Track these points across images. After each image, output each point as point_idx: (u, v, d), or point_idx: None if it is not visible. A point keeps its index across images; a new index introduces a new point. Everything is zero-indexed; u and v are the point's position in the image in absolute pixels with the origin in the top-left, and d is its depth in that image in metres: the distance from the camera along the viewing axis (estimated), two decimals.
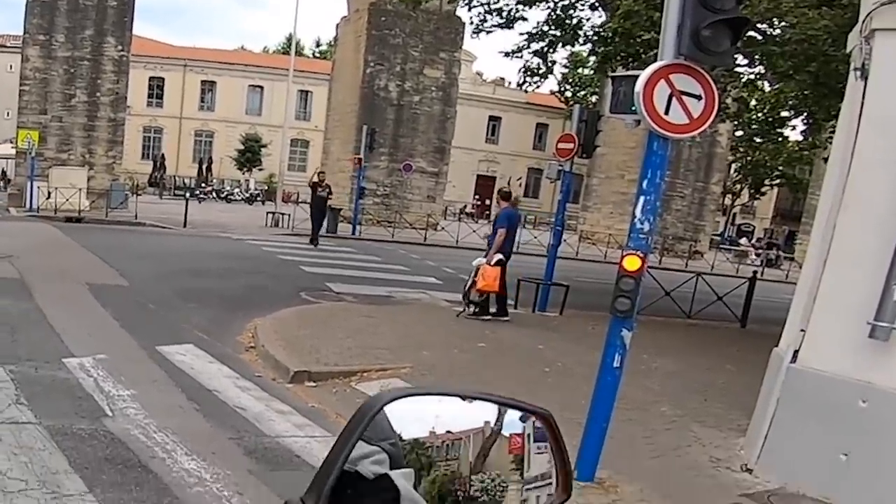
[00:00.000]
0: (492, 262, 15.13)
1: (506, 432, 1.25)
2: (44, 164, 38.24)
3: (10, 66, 66.06)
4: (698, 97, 6.29)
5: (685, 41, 6.08)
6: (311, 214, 31.61)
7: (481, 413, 1.24)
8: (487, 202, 77.71)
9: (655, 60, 6.61)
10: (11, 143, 47.87)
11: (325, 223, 33.01)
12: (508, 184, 78.18)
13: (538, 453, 1.26)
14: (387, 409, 1.14)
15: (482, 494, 1.17)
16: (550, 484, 1.26)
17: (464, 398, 1.26)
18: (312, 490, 1.03)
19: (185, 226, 33.35)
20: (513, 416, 1.25)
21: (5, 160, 62.75)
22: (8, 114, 63.52)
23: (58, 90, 39.86)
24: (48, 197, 35.63)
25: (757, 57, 16.47)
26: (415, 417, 1.15)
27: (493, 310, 15.48)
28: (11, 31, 72.12)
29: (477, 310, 15.24)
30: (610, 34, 16.95)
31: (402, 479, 1.11)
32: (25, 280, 15.93)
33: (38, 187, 36.57)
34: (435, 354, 11.78)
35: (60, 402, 8.09)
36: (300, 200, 53.81)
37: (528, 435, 1.27)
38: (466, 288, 15.60)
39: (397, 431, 1.13)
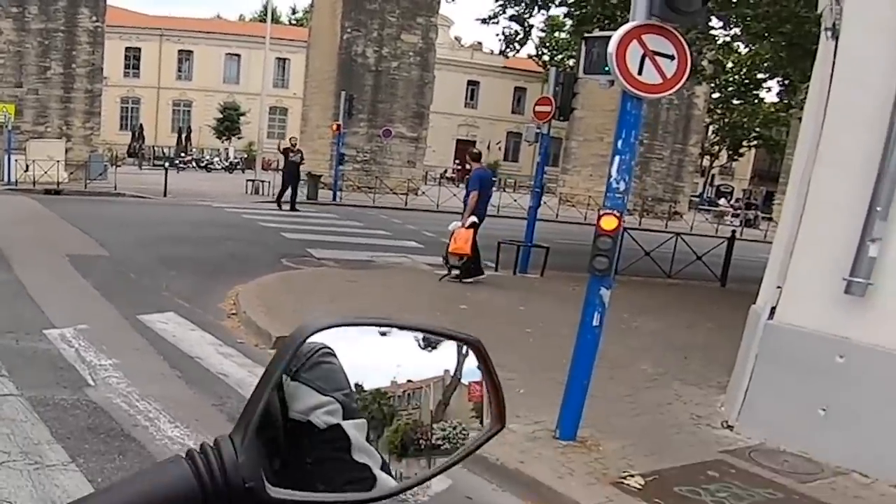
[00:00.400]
0: (465, 225, 15.08)
1: (465, 380, 1.24)
2: (20, 137, 37.92)
3: None
4: (671, 57, 6.26)
5: (656, 1, 6.05)
6: (284, 180, 31.88)
7: (441, 362, 1.23)
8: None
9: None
10: None
11: (303, 190, 32.98)
12: (488, 148, 78.67)
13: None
14: (343, 359, 1.13)
15: (444, 442, 1.17)
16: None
17: (391, 327, 1.25)
18: (239, 427, 1.02)
19: (165, 195, 33.25)
20: (471, 363, 1.24)
21: None
22: None
23: (33, 62, 39.51)
24: (26, 170, 35.39)
25: (732, 19, 16.44)
26: (375, 367, 1.14)
27: (457, 272, 15.42)
28: None
29: (458, 273, 15.22)
30: None
31: (354, 429, 1.09)
32: (4, 252, 15.82)
33: (16, 160, 36.24)
34: (417, 317, 11.69)
35: (42, 373, 8.05)
36: (279, 168, 53.88)
37: (486, 382, 1.27)
38: (446, 252, 15.59)
39: (358, 382, 1.12)
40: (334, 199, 37.33)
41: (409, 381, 1.18)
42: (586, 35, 11.70)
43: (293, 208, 30.58)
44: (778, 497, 6.20)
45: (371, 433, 1.11)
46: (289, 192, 31.22)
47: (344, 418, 1.09)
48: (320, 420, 1.08)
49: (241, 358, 9.32)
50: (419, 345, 1.22)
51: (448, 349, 1.25)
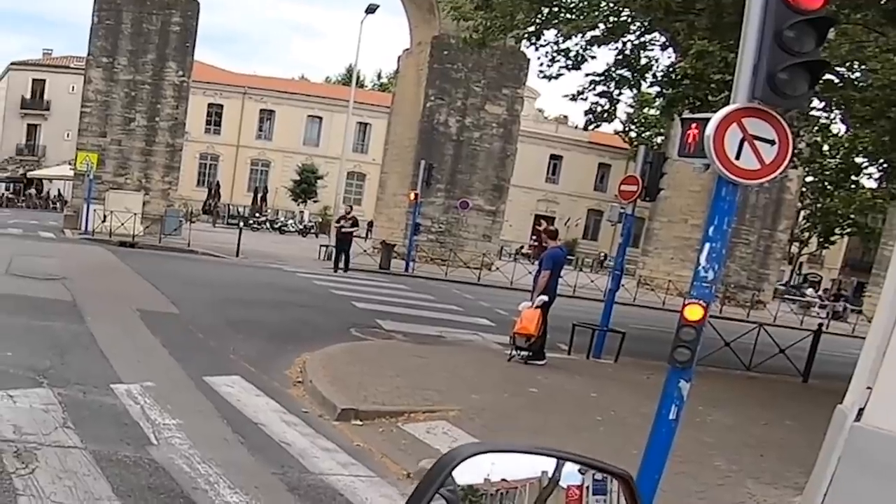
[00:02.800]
0: (535, 305, 14.98)
1: (563, 483, 1.27)
2: (101, 186, 38.89)
3: (73, 88, 67.42)
4: (771, 142, 6.15)
5: (760, 84, 5.94)
6: (336, 246, 34.48)
7: (538, 463, 1.27)
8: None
9: (724, 104, 6.55)
10: (70, 164, 48.70)
11: (375, 258, 35.26)
12: (566, 225, 78.38)
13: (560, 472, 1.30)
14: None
15: None
16: None
17: (544, 455, 1.29)
18: None
19: (237, 255, 33.75)
20: (571, 467, 1.28)
21: (63, 182, 63.98)
22: (68, 135, 64.84)
23: (118, 113, 40.56)
24: (103, 220, 36.22)
25: (834, 101, 16.23)
26: (470, 463, 1.18)
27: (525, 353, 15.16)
28: (74, 53, 73.69)
29: (529, 354, 15.11)
30: (679, 76, 16.79)
31: None
32: (77, 303, 16.22)
33: (94, 210, 37.19)
34: (485, 398, 11.74)
35: (107, 428, 8.21)
36: (355, 235, 54.19)
37: (587, 487, 1.29)
38: (512, 332, 15.52)
39: (452, 477, 1.16)
40: (407, 269, 37.43)
41: (503, 479, 1.22)
42: (683, 117, 11.65)
43: (345, 269, 32.78)
44: None
45: None
46: (341, 255, 33.55)
47: None
48: None
49: (304, 427, 9.37)
50: (538, 453, 1.25)
51: None
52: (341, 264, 33.41)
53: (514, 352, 15.12)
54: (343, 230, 34.15)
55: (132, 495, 6.47)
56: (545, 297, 15.08)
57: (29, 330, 12.86)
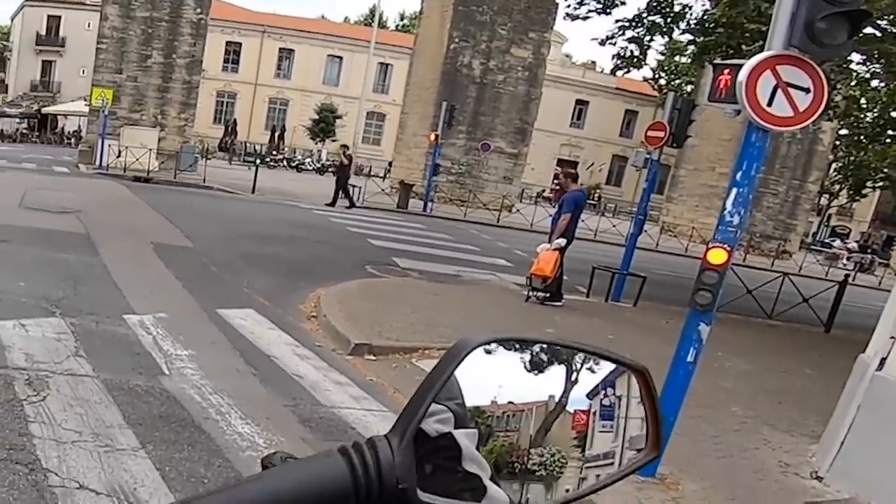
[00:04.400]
0: (553, 247, 14.91)
1: (570, 408, 1.22)
2: (116, 122, 39.06)
3: (88, 24, 67.33)
4: (806, 90, 6.06)
5: (798, 32, 5.85)
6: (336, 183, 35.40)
7: (546, 387, 1.22)
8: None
9: (756, 53, 6.44)
10: (85, 100, 48.76)
11: (393, 197, 36.03)
12: (589, 170, 78.16)
13: (602, 431, 1.25)
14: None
15: (540, 468, 1.16)
16: (612, 464, 1.26)
17: (557, 346, 1.25)
18: (397, 429, 1.04)
19: (253, 192, 33.79)
20: (579, 392, 1.23)
21: (78, 117, 64.14)
22: (83, 71, 64.85)
23: (134, 50, 40.53)
24: (118, 155, 36.38)
25: (874, 55, 15.98)
26: (477, 384, 1.15)
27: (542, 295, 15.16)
28: None
29: (546, 295, 15.11)
30: (713, 23, 16.58)
31: (465, 438, 1.11)
32: (91, 235, 16.27)
33: (109, 145, 37.35)
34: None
35: (119, 358, 8.26)
36: (372, 173, 54.24)
37: (595, 413, 1.25)
38: (529, 272, 15.50)
39: (462, 395, 1.13)
40: (425, 209, 37.52)
41: (509, 402, 1.18)
42: (715, 62, 11.48)
43: (348, 205, 33.80)
44: None
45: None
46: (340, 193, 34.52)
47: (455, 427, 1.10)
48: (431, 428, 1.10)
49: (317, 361, 9.40)
50: (526, 367, 1.22)
51: (556, 373, 1.24)
52: (344, 202, 34.08)
53: (530, 292, 15.11)
54: (338, 165, 35.84)
55: (143, 424, 6.51)
56: (563, 240, 15.01)
57: (42, 261, 12.93)
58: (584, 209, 16.12)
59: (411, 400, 1.08)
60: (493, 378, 1.18)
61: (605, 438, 1.21)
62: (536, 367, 1.24)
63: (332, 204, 33.57)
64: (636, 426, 1.29)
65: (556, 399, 1.23)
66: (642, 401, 1.25)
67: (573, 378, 1.24)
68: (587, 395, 1.26)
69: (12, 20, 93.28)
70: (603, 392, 1.28)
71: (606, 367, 1.28)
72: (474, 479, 1.08)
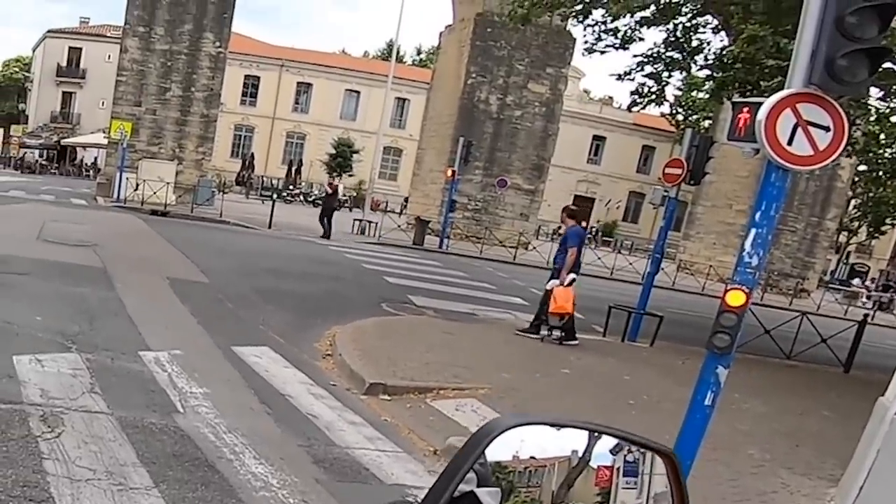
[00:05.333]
0: (565, 283, 14.88)
1: (594, 464, 1.24)
2: (134, 155, 39.27)
3: (109, 57, 67.87)
4: (826, 129, 6.04)
5: (818, 69, 5.84)
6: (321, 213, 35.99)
7: (569, 442, 1.24)
8: (583, 224, 77.02)
9: (777, 89, 6.42)
10: (104, 132, 49.09)
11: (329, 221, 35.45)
12: (606, 206, 78.11)
13: (626, 488, 1.27)
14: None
15: None
16: None
17: (587, 431, 1.27)
18: (428, 500, 1.07)
19: (269, 227, 33.91)
20: (602, 447, 1.25)
21: (96, 149, 64.54)
22: (103, 104, 65.36)
23: (153, 83, 40.85)
24: (136, 189, 36.61)
25: (893, 90, 15.94)
26: (499, 439, 1.16)
27: (557, 333, 15.08)
28: (111, 22, 74.17)
29: (562, 334, 15.07)
30: (731, 59, 16.56)
31: (489, 497, 1.13)
32: (108, 269, 16.35)
33: (127, 178, 37.59)
34: (516, 377, 11.70)
35: (133, 395, 8.28)
36: (388, 209, 54.32)
37: (618, 468, 1.27)
38: (538, 313, 15.44)
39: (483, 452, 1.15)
40: (441, 246, 37.47)
41: (531, 457, 1.20)
42: (734, 100, 11.49)
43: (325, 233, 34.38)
44: None
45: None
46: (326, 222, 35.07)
47: (478, 485, 1.12)
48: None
49: (332, 400, 9.40)
50: (582, 428, 1.23)
51: (578, 430, 1.26)
52: (330, 231, 34.79)
53: (548, 332, 15.07)
54: (324, 197, 36.94)
55: (157, 462, 6.51)
56: (574, 276, 15.03)
57: (59, 295, 13.00)
58: (584, 245, 16.11)
59: (442, 474, 1.11)
60: (515, 432, 1.19)
61: (629, 495, 1.23)
62: (594, 428, 1.26)
63: (327, 236, 34.05)
64: (661, 483, 1.31)
65: (580, 454, 1.24)
66: (670, 484, 1.26)
67: (596, 434, 1.26)
68: (611, 451, 1.28)
69: (34, 51, 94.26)
70: (627, 448, 1.30)
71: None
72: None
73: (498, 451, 1.14)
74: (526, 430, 1.18)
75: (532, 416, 1.20)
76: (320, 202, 37.41)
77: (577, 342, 15.12)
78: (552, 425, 1.23)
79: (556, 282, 15.02)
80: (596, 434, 1.27)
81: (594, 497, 1.22)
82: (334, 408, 9.08)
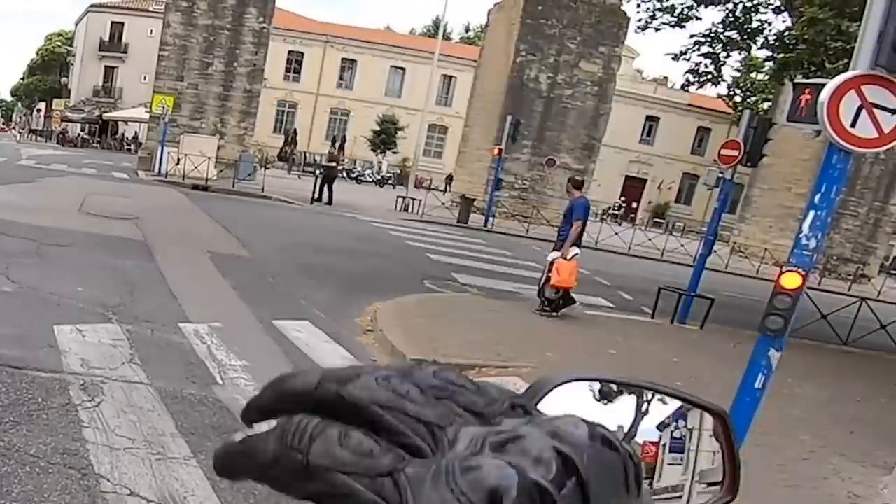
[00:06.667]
0: (568, 256, 14.69)
1: (639, 440, 1.23)
2: (176, 130, 39.54)
3: (151, 31, 68.47)
4: (892, 111, 5.99)
5: (885, 51, 5.80)
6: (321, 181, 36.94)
7: (615, 418, 1.23)
8: (634, 205, 76.72)
9: (841, 71, 6.32)
10: (146, 107, 49.42)
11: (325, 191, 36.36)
12: (659, 188, 77.62)
13: (672, 464, 1.26)
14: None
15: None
16: (680, 497, 1.26)
17: (640, 387, 1.26)
18: None
19: (311, 203, 33.98)
20: (648, 423, 1.24)
21: (138, 124, 65.08)
22: (145, 78, 65.74)
23: (196, 58, 41.07)
24: (177, 163, 36.85)
25: None
26: (546, 405, 1.15)
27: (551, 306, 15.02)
28: None
29: (549, 308, 14.92)
30: (793, 41, 16.33)
31: None
32: (149, 242, 16.50)
33: (168, 153, 37.87)
34: (560, 356, 11.65)
35: (173, 366, 8.37)
36: (432, 187, 54.29)
37: (664, 445, 1.26)
38: (541, 284, 15.30)
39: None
40: (486, 224, 37.36)
41: None
42: (796, 81, 11.36)
43: (326, 200, 35.50)
44: None
45: None
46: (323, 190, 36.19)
47: None
48: None
49: None
50: (594, 397, 1.22)
51: (625, 404, 1.25)
52: (325, 196, 35.66)
53: (543, 304, 15.02)
54: (324, 165, 38.09)
55: (195, 433, 6.58)
56: (577, 250, 14.95)
57: (100, 267, 13.16)
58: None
59: None
60: (559, 409, 1.18)
61: (674, 471, 1.22)
62: (605, 397, 1.24)
63: (319, 200, 35.40)
64: (707, 460, 1.30)
65: (625, 430, 1.23)
66: (721, 444, 1.26)
67: (643, 409, 1.24)
68: (657, 427, 1.26)
69: (76, 26, 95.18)
70: (674, 424, 1.29)
71: (679, 402, 1.29)
72: None
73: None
74: (573, 405, 1.17)
75: (588, 372, 1.19)
76: (322, 171, 37.71)
77: (559, 314, 15.01)
78: (603, 381, 1.21)
79: (558, 254, 14.89)
80: (646, 405, 1.26)
81: None
82: None
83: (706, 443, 1.25)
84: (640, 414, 1.24)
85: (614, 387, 1.23)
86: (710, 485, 1.25)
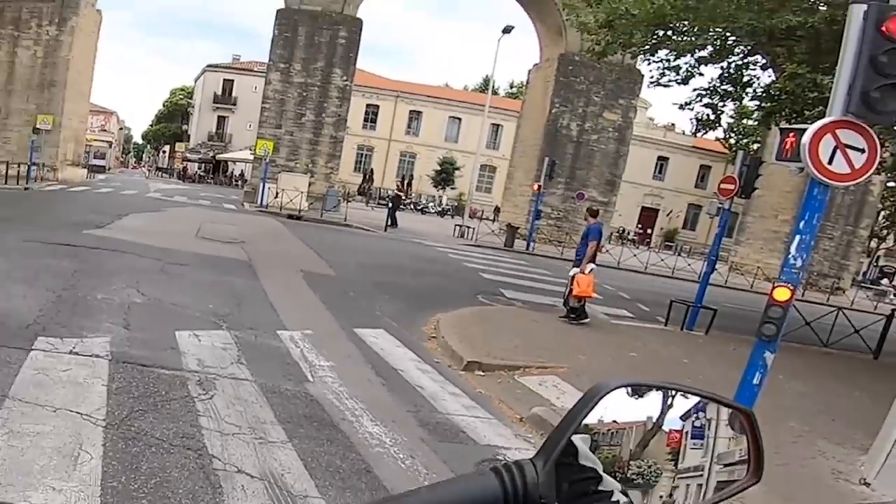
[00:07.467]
0: (586, 271, 14.77)
1: (665, 427, 1.24)
2: (274, 169, 40.07)
3: (255, 87, 69.26)
4: (861, 150, 6.01)
5: (855, 100, 5.81)
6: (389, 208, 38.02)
7: (645, 409, 1.25)
8: (649, 231, 76.54)
9: (817, 118, 6.33)
10: (250, 150, 50.06)
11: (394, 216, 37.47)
12: (668, 217, 77.26)
13: (693, 448, 1.27)
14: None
15: (638, 477, 1.19)
16: (702, 475, 1.28)
17: (678, 391, 1.29)
18: (541, 454, 1.08)
19: (385, 230, 34.08)
20: (673, 414, 1.26)
21: (244, 163, 65.83)
22: (250, 126, 66.56)
23: (291, 110, 41.61)
24: (275, 196, 37.32)
25: None
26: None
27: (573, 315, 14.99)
28: (258, 59, 75.64)
29: (573, 315, 14.89)
30: (777, 92, 16.36)
31: (581, 441, 1.15)
32: (252, 262, 16.63)
33: (269, 188, 38.38)
34: (589, 359, 11.58)
35: (272, 366, 8.39)
36: (483, 217, 54.32)
37: (687, 432, 1.27)
38: (566, 296, 15.34)
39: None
40: (527, 248, 37.31)
41: (613, 421, 1.21)
42: (781, 127, 11.31)
43: (392, 224, 36.43)
44: None
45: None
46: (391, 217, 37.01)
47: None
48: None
49: (435, 375, 9.39)
50: (627, 392, 1.25)
51: (654, 398, 1.26)
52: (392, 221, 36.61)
53: (569, 312, 14.99)
54: (392, 196, 38.94)
55: (290, 421, 6.59)
56: (593, 265, 15.05)
57: (213, 283, 13.27)
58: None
59: (555, 430, 1.11)
60: (611, 406, 1.20)
61: (695, 454, 1.22)
62: (636, 392, 1.26)
63: (394, 225, 36.40)
64: (724, 444, 1.30)
65: (654, 420, 1.25)
66: (747, 436, 1.26)
67: (669, 403, 1.25)
68: (680, 417, 1.27)
69: (195, 82, 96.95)
70: (695, 415, 1.29)
71: (698, 398, 1.29)
72: (592, 471, 1.11)
73: (588, 415, 1.15)
74: (608, 398, 1.20)
75: (633, 380, 1.22)
76: (390, 200, 38.76)
77: (587, 321, 14.97)
78: (650, 386, 1.25)
79: (577, 270, 14.91)
80: (671, 399, 1.28)
81: (665, 455, 1.23)
82: (437, 381, 9.08)
83: (723, 431, 1.25)
84: (665, 406, 1.24)
85: (645, 388, 1.25)
86: (726, 465, 1.25)
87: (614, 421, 1.21)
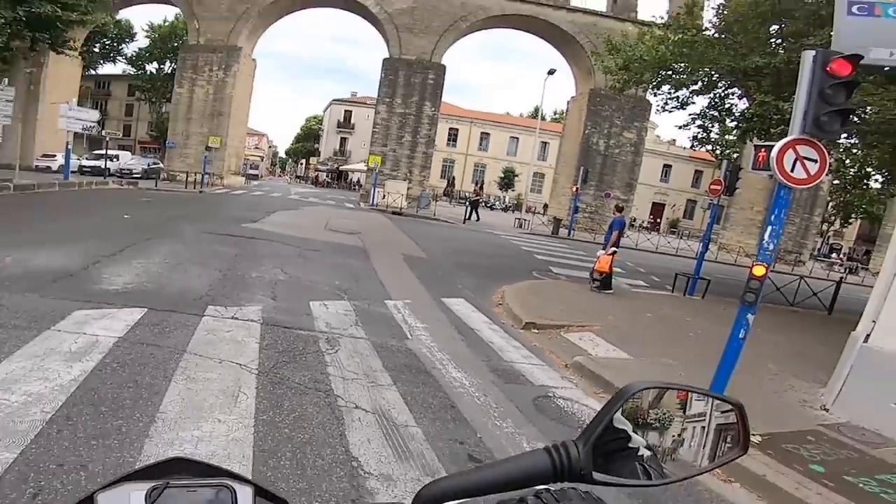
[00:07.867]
0: (608, 253, 14.64)
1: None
2: (381, 177, 40.37)
3: (368, 116, 69.86)
4: (815, 161, 5.96)
5: (809, 124, 5.78)
6: (469, 206, 37.77)
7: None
8: (658, 220, 75.63)
9: (781, 135, 6.24)
10: (364, 163, 50.63)
11: (473, 214, 37.53)
12: (672, 210, 75.90)
13: (697, 400, 1.23)
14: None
15: (655, 421, 1.16)
16: (704, 420, 1.24)
17: (692, 392, 1.26)
18: (581, 437, 1.06)
19: (463, 223, 34.04)
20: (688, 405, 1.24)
21: (360, 173, 66.46)
22: (364, 145, 67.31)
23: (394, 133, 41.87)
24: (383, 198, 37.64)
25: (854, 132, 15.45)
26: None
27: (598, 284, 14.75)
28: (370, 95, 76.31)
29: (599, 285, 14.64)
30: (750, 116, 16.43)
31: (621, 422, 1.12)
32: (366, 248, 16.73)
33: (378, 191, 38.64)
34: (616, 320, 11.32)
35: (381, 327, 8.37)
36: (535, 212, 53.90)
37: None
38: (591, 271, 15.13)
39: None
40: (569, 235, 36.91)
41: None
42: (755, 143, 11.24)
43: (475, 219, 36.44)
44: (854, 456, 5.93)
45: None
46: (472, 213, 37.11)
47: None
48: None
49: (502, 332, 9.28)
50: (692, 391, 1.22)
51: (671, 396, 1.23)
52: (473, 217, 36.57)
53: (592, 284, 14.80)
54: (472, 198, 38.81)
55: (395, 369, 6.57)
56: (615, 249, 14.87)
57: (337, 265, 13.36)
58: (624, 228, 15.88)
59: (593, 420, 1.09)
60: (630, 398, 1.17)
61: (698, 404, 1.18)
62: (698, 390, 1.23)
63: (474, 218, 36.32)
64: (722, 422, 1.26)
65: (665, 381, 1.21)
66: (738, 427, 1.23)
67: (686, 399, 1.22)
68: (682, 404, 1.24)
69: (324, 112, 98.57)
70: (704, 406, 1.25)
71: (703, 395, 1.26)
72: (623, 431, 1.11)
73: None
74: (660, 388, 1.18)
75: (657, 381, 1.15)
76: (470, 201, 38.80)
77: (612, 292, 14.69)
78: (671, 388, 1.21)
79: (602, 252, 14.81)
80: (675, 393, 1.24)
81: (676, 405, 1.24)
82: (503, 337, 8.98)
83: (716, 419, 1.20)
84: (699, 394, 1.20)
85: (666, 389, 1.19)
86: (718, 436, 1.20)
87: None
